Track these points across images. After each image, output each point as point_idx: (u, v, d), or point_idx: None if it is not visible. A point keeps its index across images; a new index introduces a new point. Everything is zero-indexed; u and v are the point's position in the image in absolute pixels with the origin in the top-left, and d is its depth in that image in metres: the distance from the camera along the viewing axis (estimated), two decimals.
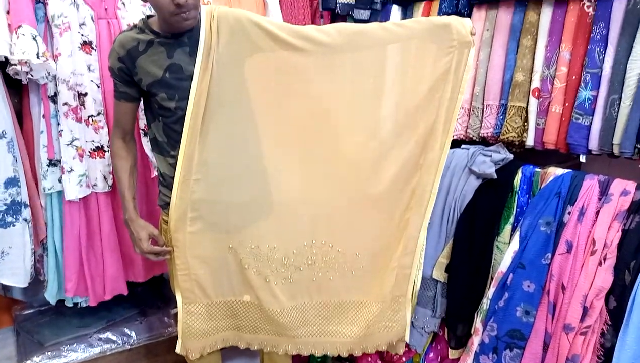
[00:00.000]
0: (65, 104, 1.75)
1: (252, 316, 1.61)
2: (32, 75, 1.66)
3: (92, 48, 1.79)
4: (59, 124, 1.77)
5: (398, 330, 1.72)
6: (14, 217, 1.72)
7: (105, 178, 1.86)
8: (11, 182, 1.70)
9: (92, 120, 1.81)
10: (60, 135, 1.77)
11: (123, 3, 1.83)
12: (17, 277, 1.80)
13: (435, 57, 1.50)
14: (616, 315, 1.43)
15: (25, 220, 1.77)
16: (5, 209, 1.70)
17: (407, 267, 1.67)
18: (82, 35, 1.76)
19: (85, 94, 1.78)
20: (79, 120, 1.79)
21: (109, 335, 2.08)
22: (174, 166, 1.45)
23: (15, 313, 2.19)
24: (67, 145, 1.79)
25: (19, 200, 1.73)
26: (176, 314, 1.62)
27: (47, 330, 2.07)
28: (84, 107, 1.78)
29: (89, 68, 1.78)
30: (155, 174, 1.95)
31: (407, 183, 1.60)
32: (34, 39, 1.59)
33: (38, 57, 1.59)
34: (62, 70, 1.73)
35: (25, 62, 1.58)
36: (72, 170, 1.79)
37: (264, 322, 1.61)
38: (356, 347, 1.69)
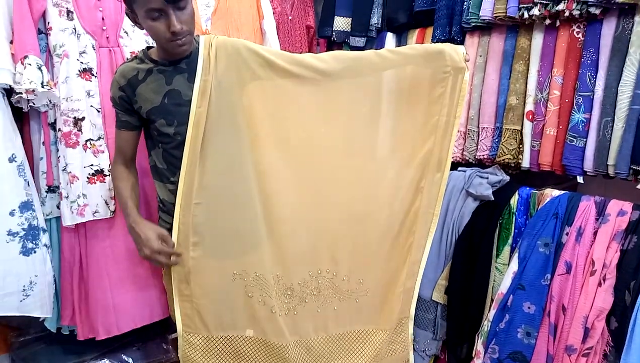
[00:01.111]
0: (59, 130, 1.76)
1: (256, 355, 1.56)
2: (34, 103, 1.68)
3: (92, 75, 1.82)
4: (58, 150, 1.79)
5: (402, 353, 1.69)
6: (34, 242, 1.70)
7: (106, 203, 1.83)
8: (25, 206, 1.68)
9: (91, 144, 1.80)
10: (59, 161, 1.78)
11: (125, 32, 1.87)
12: (45, 308, 1.72)
13: (430, 82, 1.53)
14: (618, 336, 1.43)
15: (46, 245, 1.74)
16: (25, 235, 1.67)
17: (411, 290, 1.66)
18: (81, 62, 1.79)
19: (83, 119, 1.77)
20: (72, 145, 1.76)
21: (106, 362, 2.05)
22: (173, 192, 1.46)
23: (11, 340, 2.15)
24: (62, 171, 1.78)
25: (36, 225, 1.71)
26: (175, 340, 1.59)
27: (44, 357, 2.03)
28: (81, 131, 1.78)
29: (88, 94, 1.81)
30: None
31: (410, 207, 1.61)
32: (39, 68, 1.63)
33: (43, 86, 1.62)
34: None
35: (33, 90, 1.60)
36: (68, 196, 1.79)
37: (270, 361, 1.56)
38: None
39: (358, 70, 1.52)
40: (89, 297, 1.87)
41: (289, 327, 1.56)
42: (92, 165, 1.81)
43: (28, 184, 1.70)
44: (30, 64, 1.61)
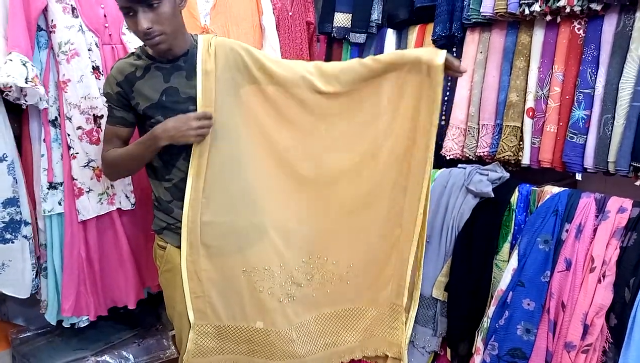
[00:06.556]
0: (79, 128, 1.79)
1: (266, 342, 1.60)
2: (26, 100, 1.67)
3: (100, 73, 1.82)
4: (70, 147, 1.80)
5: (395, 339, 1.72)
6: (13, 234, 1.78)
7: (127, 197, 1.92)
8: (10, 202, 1.75)
9: None
10: (74, 157, 1.80)
11: (128, 28, 1.87)
12: (18, 289, 1.85)
13: (413, 86, 1.53)
14: (617, 332, 1.43)
15: (26, 237, 1.82)
16: (4, 227, 1.76)
17: (403, 280, 1.67)
18: (92, 60, 1.80)
19: (101, 116, 1.81)
20: (95, 142, 1.82)
21: (106, 357, 2.05)
22: (169, 190, 1.48)
23: (12, 336, 2.17)
24: (84, 167, 1.82)
25: (18, 219, 1.78)
26: (174, 336, 1.61)
27: (44, 353, 2.04)
28: (100, 129, 1.82)
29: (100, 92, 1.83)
30: None
31: (396, 203, 1.64)
32: (24, 64, 1.61)
33: (27, 82, 1.60)
34: (73, 95, 1.76)
35: (10, 86, 1.57)
36: (90, 190, 1.84)
37: (277, 348, 1.61)
38: (357, 350, 1.74)
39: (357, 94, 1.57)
40: (105, 276, 1.97)
41: (292, 312, 1.62)
42: None
43: (16, 182, 1.77)
44: (11, 60, 1.59)
